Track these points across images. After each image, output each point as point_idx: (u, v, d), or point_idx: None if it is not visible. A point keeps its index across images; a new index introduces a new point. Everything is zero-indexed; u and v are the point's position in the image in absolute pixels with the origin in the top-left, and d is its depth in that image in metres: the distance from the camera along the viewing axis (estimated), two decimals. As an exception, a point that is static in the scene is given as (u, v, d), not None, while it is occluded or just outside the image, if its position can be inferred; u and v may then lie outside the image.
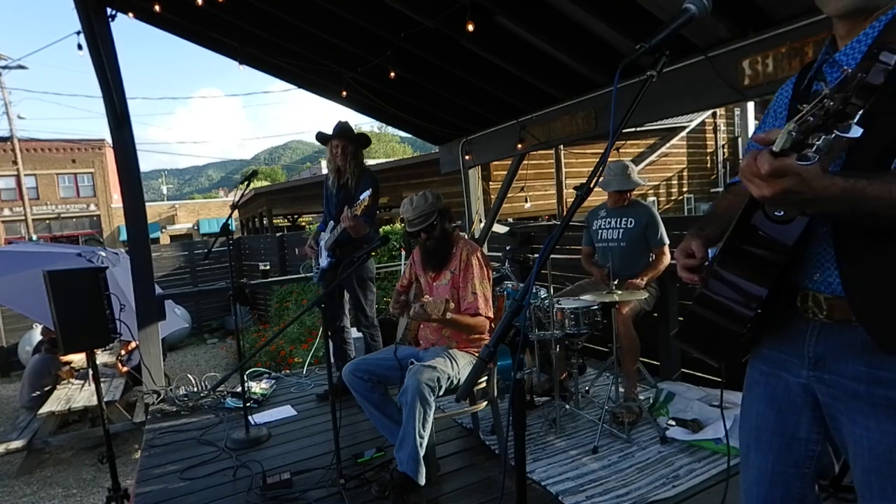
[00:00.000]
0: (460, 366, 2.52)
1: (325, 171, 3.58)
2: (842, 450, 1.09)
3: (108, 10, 3.78)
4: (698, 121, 12.42)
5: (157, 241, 25.67)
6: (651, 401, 3.26)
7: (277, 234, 12.27)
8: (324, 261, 3.58)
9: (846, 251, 0.99)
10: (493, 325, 2.68)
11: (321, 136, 3.57)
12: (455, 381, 2.48)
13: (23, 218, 23.47)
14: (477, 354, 2.62)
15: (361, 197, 3.06)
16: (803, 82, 1.15)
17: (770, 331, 1.15)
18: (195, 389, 3.99)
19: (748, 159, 0.88)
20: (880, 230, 0.93)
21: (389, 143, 61.64)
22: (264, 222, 18.79)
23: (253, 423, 3.23)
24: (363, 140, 3.57)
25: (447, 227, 2.68)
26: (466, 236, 5.87)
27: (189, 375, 4.25)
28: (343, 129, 3.47)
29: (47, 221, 27.29)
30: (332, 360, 2.75)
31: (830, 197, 0.86)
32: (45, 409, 5.61)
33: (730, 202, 1.27)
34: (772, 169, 0.84)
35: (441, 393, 2.42)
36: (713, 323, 1.10)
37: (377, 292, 7.70)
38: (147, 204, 4.48)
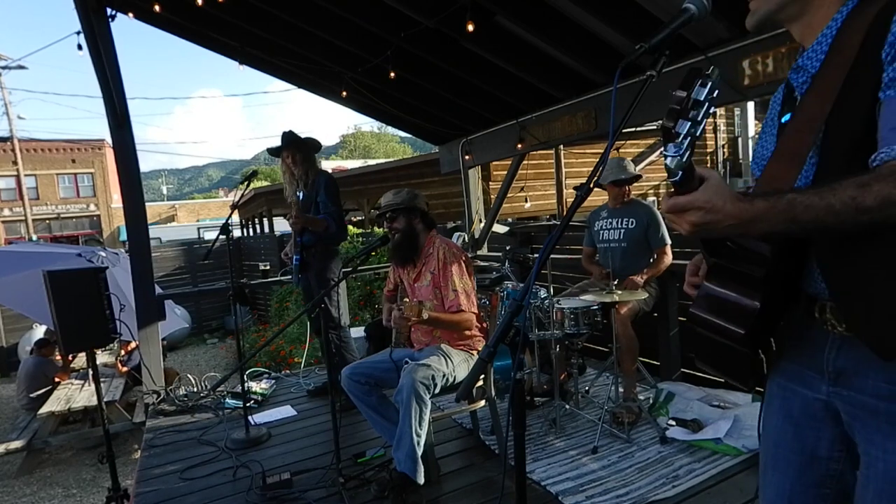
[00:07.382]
0: (455, 363, 2.53)
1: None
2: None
3: (108, 10, 3.79)
4: (698, 121, 12.38)
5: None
6: (651, 401, 3.26)
7: (277, 234, 12.26)
8: (294, 260, 3.67)
9: (824, 256, 0.93)
10: (479, 321, 2.72)
11: (273, 151, 3.66)
12: (451, 379, 2.48)
13: (23, 218, 23.44)
14: (469, 351, 2.65)
15: (300, 196, 3.51)
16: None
17: (790, 341, 1.06)
18: (195, 389, 3.99)
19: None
20: (850, 234, 0.85)
21: (389, 143, 61.54)
22: (264, 222, 18.77)
23: (253, 423, 3.24)
24: (312, 144, 3.65)
25: (415, 224, 2.73)
26: (466, 237, 5.90)
27: (189, 375, 4.25)
28: (289, 138, 3.56)
29: (47, 221, 27.27)
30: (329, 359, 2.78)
31: (755, 219, 0.83)
32: (45, 409, 5.61)
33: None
34: (669, 207, 0.86)
35: (437, 391, 2.42)
36: (718, 343, 1.02)
37: (377, 293, 7.77)
38: (147, 204, 4.48)
